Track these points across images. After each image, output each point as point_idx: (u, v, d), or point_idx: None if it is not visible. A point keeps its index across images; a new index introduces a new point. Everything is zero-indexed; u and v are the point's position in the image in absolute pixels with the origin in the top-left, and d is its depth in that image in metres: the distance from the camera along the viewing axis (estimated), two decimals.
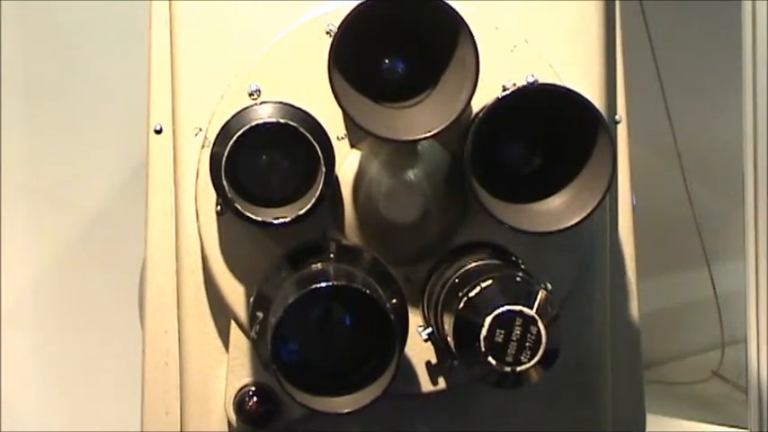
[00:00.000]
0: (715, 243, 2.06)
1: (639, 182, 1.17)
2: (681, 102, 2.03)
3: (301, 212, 1.01)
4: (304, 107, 1.05)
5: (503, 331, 0.96)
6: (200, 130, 1.08)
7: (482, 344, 0.96)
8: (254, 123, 1.01)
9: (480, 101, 1.01)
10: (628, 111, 1.16)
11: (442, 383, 1.08)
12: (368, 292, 0.97)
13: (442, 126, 0.99)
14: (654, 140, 1.79)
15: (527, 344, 0.97)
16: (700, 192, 2.07)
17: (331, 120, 1.05)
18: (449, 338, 1.00)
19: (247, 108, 1.05)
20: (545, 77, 1.07)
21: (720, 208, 1.96)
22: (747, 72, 1.57)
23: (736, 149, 1.60)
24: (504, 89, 1.04)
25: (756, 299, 1.58)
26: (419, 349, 1.07)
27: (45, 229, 1.71)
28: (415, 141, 1.02)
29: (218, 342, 1.10)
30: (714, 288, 2.08)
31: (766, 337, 1.58)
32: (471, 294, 0.98)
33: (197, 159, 1.07)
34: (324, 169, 1.01)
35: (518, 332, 0.96)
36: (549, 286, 1.00)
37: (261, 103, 1.06)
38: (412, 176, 1.06)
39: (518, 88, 1.02)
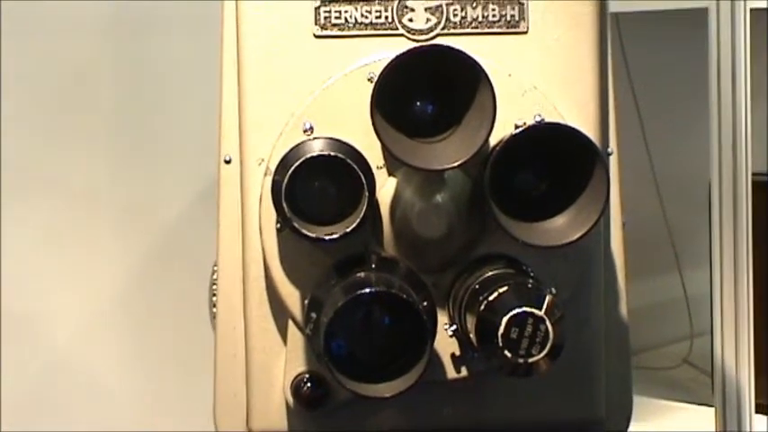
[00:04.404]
0: (686, 252, 2.06)
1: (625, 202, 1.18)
2: (656, 131, 2.02)
3: (348, 230, 1.01)
4: (350, 141, 1.05)
5: (517, 329, 0.97)
6: (263, 160, 1.08)
7: (499, 340, 0.97)
8: (308, 156, 1.02)
9: (497, 136, 1.02)
10: (618, 144, 1.16)
11: (464, 372, 1.09)
12: (404, 296, 0.98)
13: (466, 158, 1.00)
14: (633, 166, 1.78)
15: (537, 340, 0.97)
16: (673, 210, 2.06)
17: (372, 152, 1.05)
18: (471, 335, 1.01)
19: (302, 143, 1.05)
20: (550, 117, 1.07)
21: (690, 223, 1.95)
22: (713, 101, 1.56)
23: (704, 176, 1.60)
24: (517, 127, 1.04)
25: (721, 298, 1.57)
26: (445, 344, 1.07)
27: (129, 240, 1.71)
28: (443, 171, 1.03)
29: (278, 338, 1.10)
30: (685, 289, 2.07)
31: (729, 330, 1.57)
32: (490, 298, 0.99)
33: (260, 185, 1.08)
34: (366, 194, 1.01)
35: (529, 330, 0.97)
36: (555, 291, 1.00)
37: (314, 138, 1.06)
38: (439, 199, 1.07)
39: (528, 126, 1.03)
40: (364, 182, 1.01)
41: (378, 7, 1.08)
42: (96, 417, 1.70)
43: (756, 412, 1.63)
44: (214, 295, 1.14)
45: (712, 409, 1.60)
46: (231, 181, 1.11)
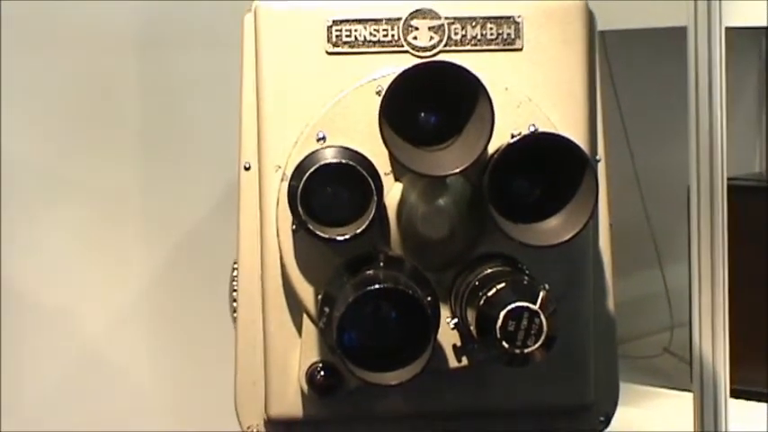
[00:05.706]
0: (666, 250, 2.06)
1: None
2: (639, 139, 2.02)
3: (358, 231, 1.02)
4: (359, 150, 1.06)
5: (513, 322, 0.98)
6: (280, 167, 1.09)
7: (498, 332, 0.98)
8: (321, 163, 1.03)
9: (495, 145, 1.03)
10: (606, 151, 1.16)
11: (464, 361, 1.09)
12: (410, 292, 0.99)
13: (466, 165, 1.01)
14: (618, 171, 1.78)
15: (532, 332, 0.98)
16: (654, 210, 2.06)
17: (379, 159, 1.06)
18: (471, 328, 1.02)
19: (316, 151, 1.06)
20: (544, 127, 1.08)
21: (670, 223, 1.95)
22: (691, 111, 1.56)
23: (683, 179, 1.60)
24: (513, 136, 1.05)
25: (699, 292, 1.57)
26: (448, 336, 1.08)
27: (155, 240, 1.71)
28: (445, 176, 1.04)
29: (294, 330, 1.11)
30: (665, 284, 2.07)
31: (706, 321, 1.57)
32: (489, 294, 1.00)
33: (277, 190, 1.09)
34: (375, 198, 1.02)
35: (525, 323, 0.98)
36: (548, 287, 1.01)
37: (326, 147, 1.07)
38: (442, 203, 1.07)
39: (523, 136, 1.04)
40: (373, 187, 1.02)
41: (385, 26, 1.09)
42: (123, 410, 1.70)
43: (759, 400, 1.66)
44: (234, 291, 1.15)
45: (691, 394, 1.61)
46: (250, 186, 1.12)
